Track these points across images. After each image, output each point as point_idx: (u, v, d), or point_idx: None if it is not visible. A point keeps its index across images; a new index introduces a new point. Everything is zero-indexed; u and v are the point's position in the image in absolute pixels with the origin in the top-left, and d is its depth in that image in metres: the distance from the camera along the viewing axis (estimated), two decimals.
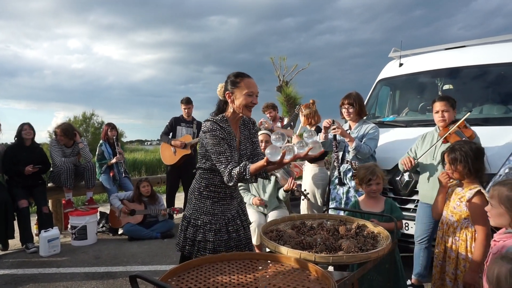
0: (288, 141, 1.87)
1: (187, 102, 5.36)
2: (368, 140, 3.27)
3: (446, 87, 4.10)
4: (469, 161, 2.11)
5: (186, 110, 5.37)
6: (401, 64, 4.52)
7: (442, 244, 2.25)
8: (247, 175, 1.83)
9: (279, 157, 1.69)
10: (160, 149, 5.47)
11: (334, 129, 3.28)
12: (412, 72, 4.35)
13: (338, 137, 3.35)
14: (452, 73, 4.05)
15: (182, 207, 5.42)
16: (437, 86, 4.17)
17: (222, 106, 2.09)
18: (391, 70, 4.66)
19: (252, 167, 1.84)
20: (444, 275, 2.24)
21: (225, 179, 1.92)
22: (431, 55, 4.46)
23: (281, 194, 3.44)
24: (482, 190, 2.07)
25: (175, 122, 5.38)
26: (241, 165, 1.87)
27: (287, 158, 1.72)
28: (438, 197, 2.38)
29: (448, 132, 2.74)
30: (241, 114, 2.02)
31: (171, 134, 5.37)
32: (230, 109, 2.04)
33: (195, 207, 2.09)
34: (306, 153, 1.78)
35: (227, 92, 2.01)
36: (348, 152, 3.34)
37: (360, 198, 2.71)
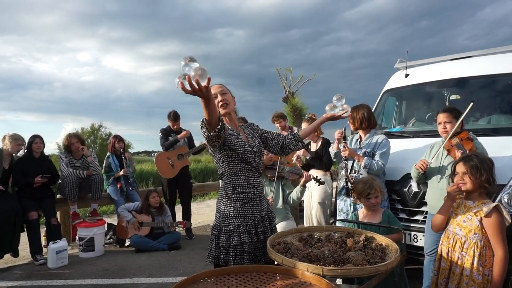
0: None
1: (175, 118, 5.30)
2: (381, 155, 3.25)
3: (453, 97, 4.08)
4: (487, 173, 2.05)
5: (174, 127, 5.34)
6: (407, 75, 4.52)
7: (448, 260, 2.16)
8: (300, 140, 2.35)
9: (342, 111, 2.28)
10: (156, 162, 5.31)
11: (343, 150, 3.30)
12: (419, 82, 4.34)
13: (348, 144, 3.37)
14: (459, 83, 4.04)
15: (182, 219, 5.41)
16: (444, 96, 4.16)
17: None
18: (397, 80, 4.66)
19: (303, 131, 2.41)
20: None
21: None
22: (438, 65, 4.46)
23: (297, 191, 3.40)
24: (499, 207, 2.01)
25: (166, 133, 5.34)
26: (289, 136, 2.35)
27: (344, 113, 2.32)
28: (442, 209, 2.26)
29: (448, 142, 2.73)
30: (226, 116, 2.16)
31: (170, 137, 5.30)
32: None
33: (225, 214, 2.09)
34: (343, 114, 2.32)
35: None
36: (357, 162, 3.33)
37: (360, 211, 2.72)
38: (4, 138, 4.53)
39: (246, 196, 2.09)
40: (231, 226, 2.06)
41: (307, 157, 4.10)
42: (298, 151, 4.16)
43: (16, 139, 4.49)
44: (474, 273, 2.03)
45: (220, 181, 2.20)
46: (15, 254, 4.35)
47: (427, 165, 2.83)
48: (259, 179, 2.19)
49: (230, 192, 2.10)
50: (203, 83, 1.60)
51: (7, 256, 4.33)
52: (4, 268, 4.16)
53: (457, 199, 2.22)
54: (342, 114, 2.32)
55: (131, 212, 4.86)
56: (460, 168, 2.14)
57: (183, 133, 5.32)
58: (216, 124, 1.84)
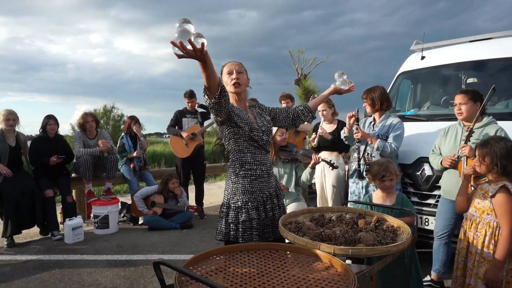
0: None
1: (190, 96, 5.38)
2: (394, 138, 3.21)
3: (470, 80, 3.99)
4: (499, 157, 2.06)
5: (189, 104, 5.40)
6: (423, 57, 4.42)
7: (465, 240, 2.21)
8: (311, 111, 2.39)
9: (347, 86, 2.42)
10: (170, 143, 5.44)
11: (355, 133, 3.27)
12: (435, 65, 4.25)
13: (360, 127, 3.35)
14: (476, 66, 3.94)
15: (195, 200, 5.49)
16: (460, 79, 4.07)
17: None
18: (412, 63, 4.56)
19: (312, 102, 2.45)
20: (465, 272, 2.20)
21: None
22: (455, 47, 4.34)
23: (307, 173, 3.42)
24: (508, 185, 2.02)
25: (180, 115, 5.40)
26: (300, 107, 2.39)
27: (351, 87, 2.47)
28: (460, 190, 2.34)
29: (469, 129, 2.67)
30: (236, 96, 2.15)
31: (176, 127, 5.37)
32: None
33: (233, 190, 2.11)
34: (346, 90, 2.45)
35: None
36: (370, 145, 3.31)
37: (374, 193, 2.72)
38: None
39: (254, 173, 2.10)
40: (239, 202, 2.07)
41: (329, 138, 4.09)
42: (319, 131, 4.16)
43: (5, 115, 4.31)
44: (484, 251, 2.08)
45: (229, 159, 2.21)
46: (43, 232, 4.54)
47: (455, 160, 2.78)
48: (266, 156, 2.19)
49: (237, 169, 2.10)
50: (198, 46, 1.58)
51: (26, 231, 4.48)
52: (23, 243, 4.32)
53: (479, 182, 2.24)
54: (350, 87, 2.46)
55: (146, 199, 4.96)
56: (478, 151, 2.18)
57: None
58: (215, 89, 1.81)
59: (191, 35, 1.58)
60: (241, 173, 2.10)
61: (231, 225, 2.08)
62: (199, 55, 1.62)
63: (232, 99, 2.14)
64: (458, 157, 2.73)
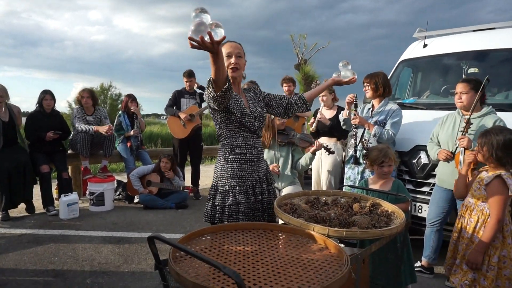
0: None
1: (189, 75, 5.34)
2: (392, 124, 3.21)
3: (471, 70, 3.97)
4: (495, 148, 2.08)
5: (188, 83, 5.35)
6: (425, 45, 4.38)
7: (459, 225, 2.26)
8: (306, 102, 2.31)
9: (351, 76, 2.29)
10: (168, 123, 5.41)
11: (353, 118, 3.26)
12: (437, 53, 4.21)
13: (358, 113, 3.33)
14: (479, 56, 3.91)
15: (191, 181, 5.51)
16: (461, 69, 4.04)
17: None
18: (414, 51, 4.52)
19: (308, 93, 2.37)
20: (456, 254, 2.25)
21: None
22: (458, 36, 4.30)
23: (307, 157, 3.42)
24: (503, 175, 2.04)
25: (178, 95, 5.36)
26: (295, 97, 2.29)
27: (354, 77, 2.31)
28: (460, 174, 2.38)
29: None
30: (232, 78, 2.05)
31: (174, 107, 5.34)
32: None
33: (221, 174, 2.09)
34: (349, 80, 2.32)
35: None
36: (368, 131, 3.31)
37: (370, 178, 2.72)
38: None
39: (244, 157, 2.09)
40: (227, 186, 2.07)
41: (327, 124, 4.08)
42: (318, 116, 4.14)
43: None
44: (474, 236, 2.14)
45: (219, 142, 2.18)
46: (30, 209, 4.50)
47: (451, 155, 2.78)
48: (258, 140, 2.17)
49: (227, 153, 2.09)
50: (217, 38, 1.53)
51: (21, 206, 4.49)
52: (18, 217, 4.33)
53: (480, 170, 2.26)
54: (351, 79, 2.32)
55: (142, 178, 4.96)
56: (479, 140, 2.21)
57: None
58: (223, 83, 1.78)
59: (208, 26, 1.51)
60: (230, 157, 2.08)
61: (217, 207, 2.08)
62: (216, 47, 1.57)
63: None
64: (456, 148, 2.73)
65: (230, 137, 2.08)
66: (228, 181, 2.07)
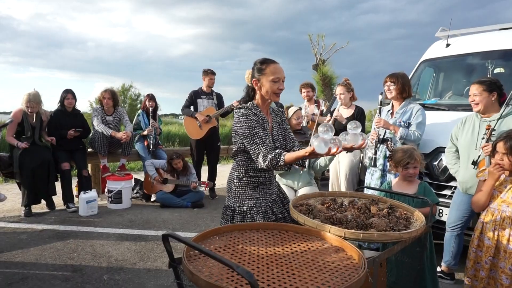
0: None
1: (212, 72, 5.32)
2: (417, 125, 3.13)
3: (497, 70, 3.83)
4: None
5: (210, 81, 5.30)
6: (448, 45, 4.26)
7: (495, 239, 2.09)
8: (281, 161, 1.82)
9: (326, 150, 1.65)
10: (184, 124, 5.40)
11: (377, 121, 3.20)
12: (460, 53, 4.09)
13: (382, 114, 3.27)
14: (505, 56, 3.77)
15: (207, 180, 5.52)
16: (486, 69, 3.91)
17: (250, 92, 2.11)
18: (436, 50, 4.40)
19: (288, 156, 1.81)
20: (476, 265, 2.12)
21: (258, 161, 1.92)
22: (483, 35, 4.16)
23: (326, 158, 3.32)
24: None
25: (195, 96, 5.33)
26: (276, 152, 1.86)
27: (333, 150, 1.66)
28: (485, 189, 2.18)
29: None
30: (269, 100, 2.06)
31: (191, 107, 5.34)
32: (258, 96, 2.07)
33: (237, 195, 2.08)
34: (351, 146, 1.80)
35: (254, 79, 2.04)
36: (390, 132, 3.22)
37: (394, 180, 2.64)
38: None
39: (257, 181, 2.08)
40: (244, 207, 2.06)
41: (343, 122, 4.01)
42: (335, 114, 4.06)
43: (26, 102, 4.30)
44: (509, 246, 1.99)
45: (234, 161, 2.15)
46: (51, 206, 4.60)
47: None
48: None
49: (241, 175, 2.08)
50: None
51: (42, 202, 4.60)
52: (39, 213, 4.44)
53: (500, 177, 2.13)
54: (360, 145, 1.84)
55: (157, 170, 5.00)
56: (500, 147, 2.06)
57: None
58: (281, 167, 1.88)
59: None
60: (244, 179, 2.08)
61: None
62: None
63: (260, 100, 2.07)
64: (479, 156, 2.60)
65: (247, 159, 2.06)
66: (245, 203, 2.06)
